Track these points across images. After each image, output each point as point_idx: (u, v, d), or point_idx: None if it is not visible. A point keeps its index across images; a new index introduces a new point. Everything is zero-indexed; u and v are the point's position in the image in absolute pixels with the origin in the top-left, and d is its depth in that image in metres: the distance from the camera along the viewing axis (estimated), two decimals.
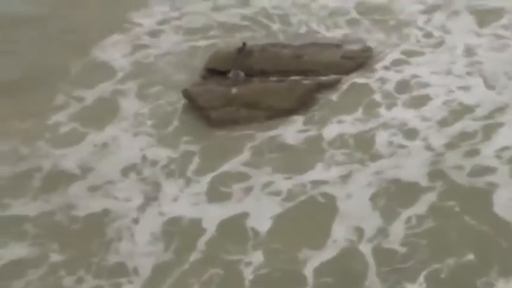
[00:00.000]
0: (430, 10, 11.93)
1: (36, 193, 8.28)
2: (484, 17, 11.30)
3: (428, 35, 11.19)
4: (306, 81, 10.03)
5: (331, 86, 9.98)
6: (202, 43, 11.75)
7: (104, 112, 9.89)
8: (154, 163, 8.74)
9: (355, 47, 11.00)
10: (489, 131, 8.47)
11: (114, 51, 11.55)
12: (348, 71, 10.28)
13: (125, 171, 8.60)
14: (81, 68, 11.08)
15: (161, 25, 12.47)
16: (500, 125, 8.56)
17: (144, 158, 8.84)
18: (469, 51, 10.42)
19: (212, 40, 11.78)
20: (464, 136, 8.48)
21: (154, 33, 12.19)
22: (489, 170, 7.79)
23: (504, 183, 7.52)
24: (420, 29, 11.40)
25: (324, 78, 10.10)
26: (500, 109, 8.86)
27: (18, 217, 7.91)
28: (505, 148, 8.07)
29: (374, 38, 11.24)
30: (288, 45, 11.09)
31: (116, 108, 9.99)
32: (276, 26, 12.10)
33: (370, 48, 10.93)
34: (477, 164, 7.90)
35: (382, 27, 11.62)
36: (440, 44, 10.86)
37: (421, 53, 10.63)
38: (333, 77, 10.16)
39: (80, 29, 12.27)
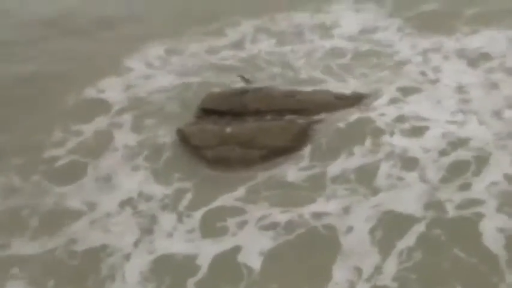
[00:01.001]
0: (423, 53, 12.60)
1: (35, 228, 8.68)
2: (473, 61, 12.01)
3: (423, 73, 11.77)
4: (300, 120, 10.48)
5: (326, 123, 10.42)
6: (195, 80, 12.34)
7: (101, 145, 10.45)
8: (149, 198, 9.13)
9: (349, 88, 11.54)
10: (480, 165, 8.91)
11: (109, 89, 12.22)
12: (339, 110, 10.71)
13: (122, 205, 9.01)
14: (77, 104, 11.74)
15: (155, 65, 13.13)
16: (491, 159, 9.01)
17: (140, 193, 9.24)
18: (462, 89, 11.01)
19: (206, 79, 12.32)
20: (457, 170, 8.92)
21: (147, 73, 12.82)
22: (479, 203, 8.17)
23: (492, 216, 7.90)
24: (416, 69, 12.03)
25: (317, 117, 10.56)
26: (490, 144, 9.32)
27: (17, 256, 8.25)
28: (493, 183, 8.50)
29: (371, 79, 11.80)
30: (281, 88, 11.61)
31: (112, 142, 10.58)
32: (275, 70, 12.63)
33: (362, 92, 11.36)
34: (468, 198, 8.29)
35: (379, 68, 12.20)
36: (435, 82, 11.40)
37: (418, 90, 11.17)
38: (326, 115, 10.61)
39: (74, 72, 12.93)
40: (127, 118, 11.23)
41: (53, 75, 13.03)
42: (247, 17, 15.08)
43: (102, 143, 10.55)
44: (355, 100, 11.03)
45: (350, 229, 8.08)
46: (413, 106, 10.65)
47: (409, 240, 7.75)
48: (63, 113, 11.50)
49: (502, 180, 8.51)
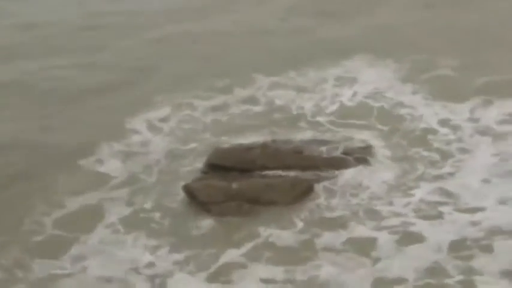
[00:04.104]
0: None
1: None
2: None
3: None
4: (307, 177, 11.54)
5: (332, 181, 11.49)
6: (194, 145, 13.31)
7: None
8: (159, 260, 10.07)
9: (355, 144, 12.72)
10: None
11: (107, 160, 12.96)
12: (347, 167, 11.83)
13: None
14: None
15: (158, 126, 14.19)
16: None
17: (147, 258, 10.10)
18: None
19: (207, 142, 13.33)
20: None
21: (149, 136, 13.78)
22: None
23: None
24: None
25: (324, 174, 11.65)
26: None
27: None
28: None
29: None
30: (288, 141, 12.74)
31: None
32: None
33: (370, 145, 12.57)
34: None
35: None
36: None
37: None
38: (333, 172, 11.70)
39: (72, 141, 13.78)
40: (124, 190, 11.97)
41: None
42: (259, 73, 16.29)
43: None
44: (361, 156, 12.11)
45: None
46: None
47: None
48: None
49: None
